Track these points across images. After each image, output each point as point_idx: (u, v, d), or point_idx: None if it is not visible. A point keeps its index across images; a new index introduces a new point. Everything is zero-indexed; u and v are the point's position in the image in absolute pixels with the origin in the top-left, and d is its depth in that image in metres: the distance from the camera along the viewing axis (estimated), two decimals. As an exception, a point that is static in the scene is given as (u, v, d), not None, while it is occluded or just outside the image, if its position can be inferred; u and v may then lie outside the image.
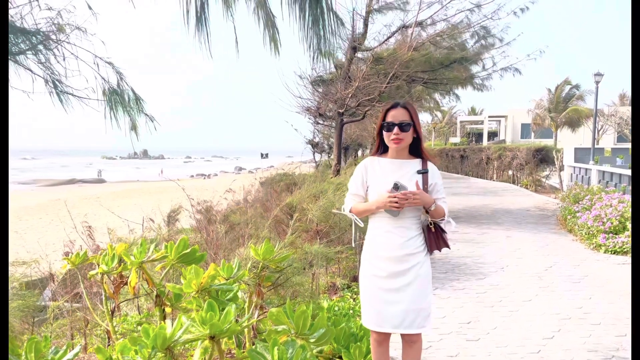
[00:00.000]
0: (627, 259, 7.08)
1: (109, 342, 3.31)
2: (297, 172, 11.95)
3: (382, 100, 10.08)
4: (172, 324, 2.15)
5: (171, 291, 2.76)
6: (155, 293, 2.82)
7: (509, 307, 5.05)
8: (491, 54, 11.96)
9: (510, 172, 21.20)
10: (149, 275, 2.84)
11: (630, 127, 25.09)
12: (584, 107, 33.11)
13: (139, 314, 4.10)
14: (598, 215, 8.47)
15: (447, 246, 2.81)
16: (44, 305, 3.87)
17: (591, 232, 8.31)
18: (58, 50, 2.34)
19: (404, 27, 11.05)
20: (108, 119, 2.84)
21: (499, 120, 42.45)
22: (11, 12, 2.26)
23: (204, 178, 47.95)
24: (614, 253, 7.49)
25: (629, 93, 39.16)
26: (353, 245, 3.24)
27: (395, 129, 2.69)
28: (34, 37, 2.19)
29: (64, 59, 2.39)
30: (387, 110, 2.76)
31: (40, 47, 2.23)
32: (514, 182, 20.44)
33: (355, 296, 5.17)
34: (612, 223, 8.10)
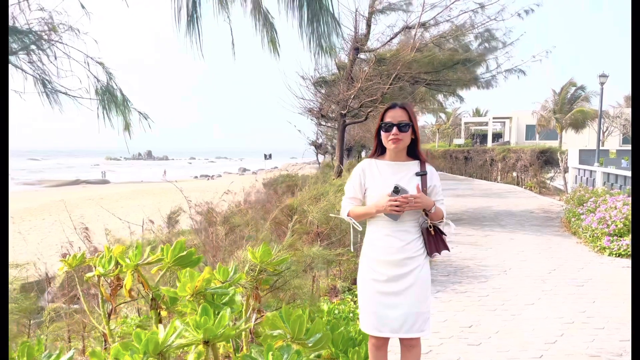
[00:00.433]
0: (632, 262, 7.01)
1: (105, 345, 3.28)
2: (300, 173, 11.94)
3: (385, 101, 10.03)
4: (166, 329, 2.11)
5: (166, 295, 2.73)
6: (150, 296, 2.79)
7: (511, 310, 4.99)
8: (495, 55, 11.90)
9: (514, 174, 21.06)
10: (144, 278, 2.80)
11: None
12: (589, 108, 32.91)
13: (139, 316, 4.08)
14: (602, 217, 8.39)
15: (447, 248, 2.78)
16: (41, 307, 3.85)
17: (595, 235, 8.24)
18: (50, 50, 2.33)
19: (407, 28, 11.00)
20: (101, 118, 2.82)
21: (504, 122, 42.28)
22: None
23: (208, 179, 48.05)
24: (619, 256, 7.42)
25: (634, 94, 38.84)
26: (352, 249, 3.20)
27: (394, 129, 2.66)
28: (26, 37, 2.18)
29: (55, 59, 2.37)
30: (386, 111, 2.74)
31: (33, 47, 2.21)
32: (518, 184, 20.30)
33: (355, 299, 5.13)
34: (616, 226, 8.02)
